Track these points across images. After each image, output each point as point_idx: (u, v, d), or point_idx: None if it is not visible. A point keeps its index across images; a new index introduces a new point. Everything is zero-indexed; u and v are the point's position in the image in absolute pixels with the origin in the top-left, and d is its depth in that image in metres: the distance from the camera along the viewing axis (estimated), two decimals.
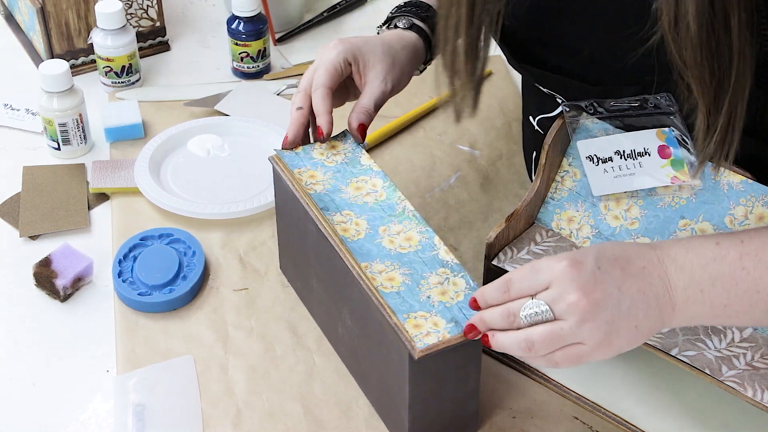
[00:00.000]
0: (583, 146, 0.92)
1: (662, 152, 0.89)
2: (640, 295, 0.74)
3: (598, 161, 0.91)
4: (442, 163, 1.21)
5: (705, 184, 0.89)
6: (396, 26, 1.05)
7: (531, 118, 1.08)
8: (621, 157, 0.90)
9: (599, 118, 0.91)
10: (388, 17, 1.08)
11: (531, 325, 0.74)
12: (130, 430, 0.88)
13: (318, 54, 1.00)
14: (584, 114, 0.94)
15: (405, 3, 1.08)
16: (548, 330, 0.74)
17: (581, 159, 0.92)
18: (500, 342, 0.77)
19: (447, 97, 0.92)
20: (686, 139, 0.89)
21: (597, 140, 0.91)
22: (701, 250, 0.77)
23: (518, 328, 0.75)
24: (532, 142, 1.10)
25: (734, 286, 0.76)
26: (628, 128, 0.90)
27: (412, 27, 1.05)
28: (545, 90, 0.97)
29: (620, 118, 0.91)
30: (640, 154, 0.90)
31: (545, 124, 1.06)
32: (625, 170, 0.90)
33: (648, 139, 0.89)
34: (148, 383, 0.92)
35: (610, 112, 0.91)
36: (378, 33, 1.07)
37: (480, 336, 0.78)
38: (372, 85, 0.98)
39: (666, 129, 0.89)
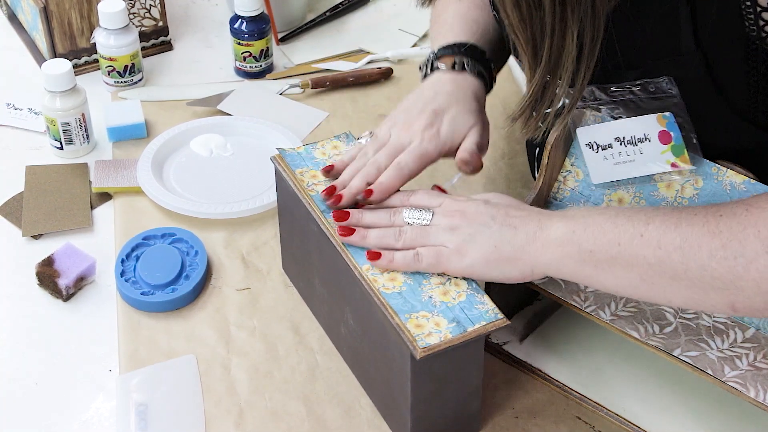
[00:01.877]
0: (583, 133, 0.91)
1: (663, 138, 0.89)
2: (509, 228, 0.84)
3: (597, 148, 0.90)
4: (445, 163, 1.20)
5: (708, 185, 0.89)
6: (464, 68, 1.00)
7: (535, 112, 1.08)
8: (621, 144, 0.90)
9: (600, 105, 0.91)
10: (454, 60, 1.00)
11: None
12: (133, 430, 0.88)
13: (404, 127, 0.95)
14: (586, 111, 0.94)
15: (458, 45, 1.01)
16: (419, 227, 0.86)
17: (581, 147, 0.91)
18: (372, 234, 0.87)
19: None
20: (687, 122, 0.88)
21: (596, 127, 0.91)
22: (592, 208, 0.84)
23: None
24: (536, 139, 1.10)
25: (602, 234, 0.80)
26: (630, 113, 0.90)
27: (479, 74, 1.01)
28: None
29: (621, 103, 0.90)
30: (641, 140, 0.89)
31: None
32: (625, 157, 0.90)
33: (648, 124, 0.89)
34: (151, 383, 0.92)
35: (611, 97, 0.90)
36: (439, 72, 1.00)
37: (342, 217, 0.88)
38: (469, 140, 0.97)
39: (667, 113, 0.88)
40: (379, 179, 0.91)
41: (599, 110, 0.92)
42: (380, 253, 0.85)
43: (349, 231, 0.87)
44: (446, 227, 0.85)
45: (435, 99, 0.96)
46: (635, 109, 0.90)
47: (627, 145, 0.90)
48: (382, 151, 0.93)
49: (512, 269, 0.83)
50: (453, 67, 0.99)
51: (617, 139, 0.90)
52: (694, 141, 0.89)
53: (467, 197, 0.88)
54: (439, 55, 1.01)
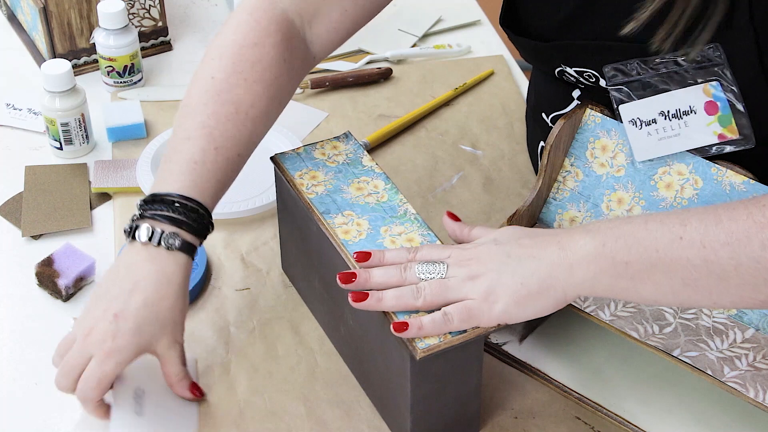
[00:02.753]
0: (626, 110, 0.87)
1: (709, 108, 0.85)
2: (529, 259, 0.80)
3: (641, 124, 0.87)
4: (444, 163, 1.21)
5: (707, 185, 0.89)
6: (161, 243, 0.86)
7: (544, 115, 1.07)
8: (665, 118, 0.86)
9: (643, 79, 0.87)
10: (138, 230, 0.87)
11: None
12: (128, 410, 0.88)
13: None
14: (589, 111, 0.94)
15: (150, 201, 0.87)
16: (437, 281, 0.81)
17: (624, 124, 0.87)
18: (387, 295, 0.81)
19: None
20: (734, 90, 0.85)
21: (640, 102, 0.87)
22: (616, 219, 0.80)
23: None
24: (543, 139, 1.09)
25: (636, 243, 0.76)
26: (675, 86, 0.86)
27: (182, 247, 0.87)
28: (572, 72, 0.94)
29: (666, 75, 0.86)
30: (686, 113, 0.86)
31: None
32: (670, 131, 0.86)
33: (694, 95, 0.85)
34: (150, 371, 0.92)
35: (655, 70, 0.86)
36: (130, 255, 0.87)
37: (358, 289, 0.82)
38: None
39: (713, 83, 0.85)
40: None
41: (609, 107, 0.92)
42: (407, 323, 0.79)
43: (362, 296, 0.82)
44: (465, 277, 0.81)
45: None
46: (680, 81, 0.86)
47: (671, 119, 0.86)
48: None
49: (545, 302, 0.80)
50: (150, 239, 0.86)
51: (661, 113, 0.86)
52: (742, 110, 0.86)
53: (474, 243, 0.84)
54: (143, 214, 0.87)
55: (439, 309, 0.80)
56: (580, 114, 0.94)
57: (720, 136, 0.86)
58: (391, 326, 0.79)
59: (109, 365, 0.84)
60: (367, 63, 1.37)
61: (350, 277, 0.83)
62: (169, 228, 0.86)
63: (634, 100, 0.88)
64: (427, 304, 0.80)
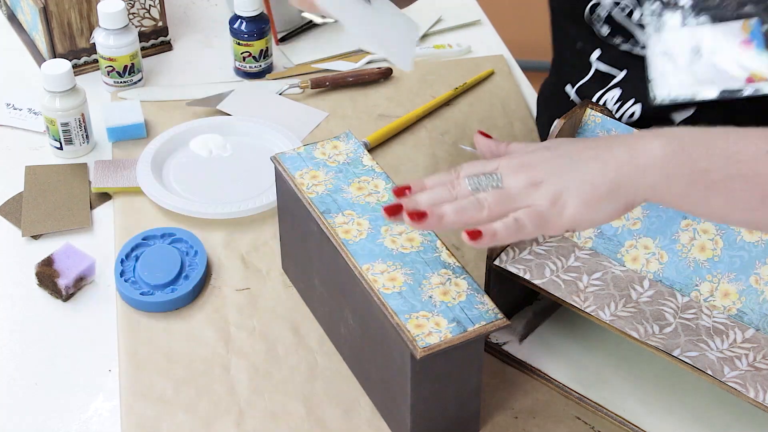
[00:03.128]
0: (657, 41, 0.83)
1: (743, 47, 0.81)
2: (593, 159, 0.74)
3: (670, 59, 0.84)
4: (445, 163, 1.21)
5: None
6: None
7: (569, 86, 1.05)
8: (696, 55, 0.82)
9: (682, 10, 0.82)
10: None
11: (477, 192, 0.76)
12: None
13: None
14: (589, 111, 0.94)
15: None
16: (497, 192, 0.75)
17: (652, 56, 0.82)
18: (447, 210, 0.75)
19: None
20: None
21: (672, 35, 0.83)
22: (688, 128, 0.75)
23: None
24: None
25: (718, 150, 0.72)
26: (714, 19, 0.82)
27: None
28: (607, 3, 0.92)
29: (705, 8, 0.82)
30: (717, 51, 0.82)
31: (584, 92, 1.03)
32: (699, 70, 0.83)
33: (730, 32, 0.80)
34: None
35: (696, 2, 0.82)
36: None
37: (410, 211, 0.75)
38: None
39: (752, 20, 0.80)
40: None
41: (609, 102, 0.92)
42: (481, 231, 0.74)
43: (420, 215, 0.75)
44: (526, 184, 0.75)
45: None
46: (719, 15, 0.82)
47: (702, 57, 0.82)
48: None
49: (615, 204, 0.74)
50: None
51: (693, 49, 0.82)
52: None
53: (522, 152, 0.78)
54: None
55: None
56: (580, 114, 0.94)
57: (748, 79, 0.81)
58: (465, 234, 0.73)
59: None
60: (367, 63, 1.37)
61: (397, 209, 0.77)
62: None
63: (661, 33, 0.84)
64: (493, 214, 0.75)
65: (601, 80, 1.03)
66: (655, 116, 0.97)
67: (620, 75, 1.00)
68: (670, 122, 0.97)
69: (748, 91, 0.83)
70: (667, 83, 0.85)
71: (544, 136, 1.14)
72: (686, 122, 0.97)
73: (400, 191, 0.79)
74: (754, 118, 0.75)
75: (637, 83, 0.97)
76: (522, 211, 0.75)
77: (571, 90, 1.07)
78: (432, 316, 0.81)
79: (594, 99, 1.03)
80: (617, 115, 0.99)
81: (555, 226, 0.75)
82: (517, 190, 0.75)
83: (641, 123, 0.98)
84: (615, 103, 0.99)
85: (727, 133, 0.73)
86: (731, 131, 0.73)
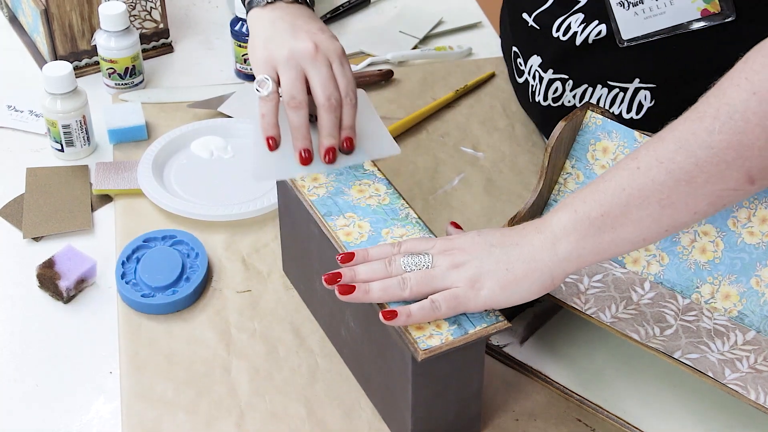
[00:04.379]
0: None
1: None
2: (512, 246, 0.82)
3: (628, 5, 0.90)
4: (445, 165, 1.21)
5: None
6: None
7: (526, 15, 1.12)
8: None
9: None
10: None
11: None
12: None
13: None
14: (590, 113, 0.94)
15: None
16: (421, 273, 0.82)
17: (612, 5, 0.90)
18: (374, 287, 0.82)
19: None
20: None
21: None
22: (575, 192, 0.83)
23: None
24: (526, 42, 1.15)
25: (602, 194, 0.80)
26: None
27: None
28: None
29: None
30: None
31: (543, 19, 1.10)
32: (656, 10, 0.89)
33: None
34: None
35: None
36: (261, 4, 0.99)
37: (343, 284, 0.83)
38: None
39: None
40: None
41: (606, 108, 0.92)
42: (396, 311, 0.80)
43: (349, 288, 0.82)
44: (450, 266, 0.82)
45: None
46: None
47: None
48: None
49: (531, 285, 0.81)
50: None
51: None
52: None
53: (457, 235, 0.86)
54: None
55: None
56: (581, 116, 0.94)
57: (703, 11, 0.88)
58: (381, 315, 0.80)
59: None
60: (369, 65, 1.37)
61: (335, 278, 0.84)
62: None
63: None
64: (413, 293, 0.82)
65: (562, 6, 1.08)
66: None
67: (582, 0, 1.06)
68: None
69: (695, 26, 0.91)
70: (630, 27, 0.93)
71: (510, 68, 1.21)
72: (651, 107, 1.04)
73: (345, 258, 0.85)
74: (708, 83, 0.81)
75: (599, 5, 1.02)
76: (440, 293, 0.81)
77: (528, 17, 1.12)
78: None
79: (556, 24, 1.08)
80: (584, 36, 1.05)
81: (472, 305, 0.81)
82: (441, 271, 0.82)
83: (608, 41, 1.04)
84: (579, 25, 1.05)
85: (603, 176, 0.81)
86: (606, 172, 0.81)
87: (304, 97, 0.93)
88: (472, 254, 0.82)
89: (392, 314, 0.80)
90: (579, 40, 1.06)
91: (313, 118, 0.94)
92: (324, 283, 0.84)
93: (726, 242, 0.87)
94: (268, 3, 0.99)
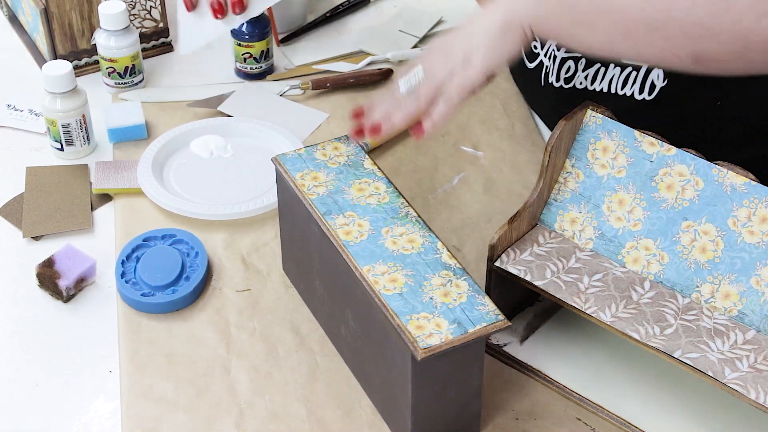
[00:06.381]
0: None
1: None
2: (481, 15, 0.91)
3: None
4: (445, 164, 1.21)
5: (708, 186, 0.89)
6: None
7: None
8: None
9: None
10: None
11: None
12: None
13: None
14: (590, 113, 0.94)
15: None
16: (424, 82, 0.91)
17: None
18: (396, 117, 0.93)
19: None
20: None
21: None
22: None
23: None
24: None
25: None
26: None
27: None
28: None
29: None
30: None
31: None
32: None
33: None
34: None
35: None
36: None
37: (368, 125, 0.95)
38: None
39: None
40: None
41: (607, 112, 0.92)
42: (421, 127, 0.91)
43: (376, 127, 0.94)
44: (440, 62, 0.91)
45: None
46: None
47: None
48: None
49: (513, 37, 0.89)
50: None
51: None
52: None
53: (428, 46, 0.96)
54: None
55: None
56: (581, 115, 0.94)
57: None
58: (413, 135, 0.92)
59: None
60: (368, 64, 1.37)
61: (359, 131, 0.96)
62: None
63: None
64: (426, 98, 0.91)
65: None
66: None
67: None
68: None
69: None
70: None
71: None
72: (661, 95, 1.08)
73: (357, 114, 0.96)
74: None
75: None
76: (450, 84, 0.90)
77: None
78: (433, 317, 0.81)
79: None
80: None
81: (474, 77, 0.90)
82: (435, 70, 0.91)
83: None
84: None
85: None
86: None
87: None
88: (452, 42, 0.91)
89: (419, 129, 0.91)
90: None
91: None
92: (353, 137, 0.96)
93: (726, 241, 0.87)
94: None
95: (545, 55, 1.16)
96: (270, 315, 1.01)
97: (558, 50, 1.12)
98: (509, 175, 1.19)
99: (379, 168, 0.96)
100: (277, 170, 0.97)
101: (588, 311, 0.88)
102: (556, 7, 0.87)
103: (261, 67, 1.34)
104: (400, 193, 0.93)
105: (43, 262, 1.04)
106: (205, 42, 0.98)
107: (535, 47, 1.18)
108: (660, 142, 0.91)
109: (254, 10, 1.02)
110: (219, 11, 0.97)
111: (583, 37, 0.87)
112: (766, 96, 1.03)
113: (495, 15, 0.89)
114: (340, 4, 1.48)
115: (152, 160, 1.16)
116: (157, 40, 1.39)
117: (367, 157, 0.97)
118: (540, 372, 0.94)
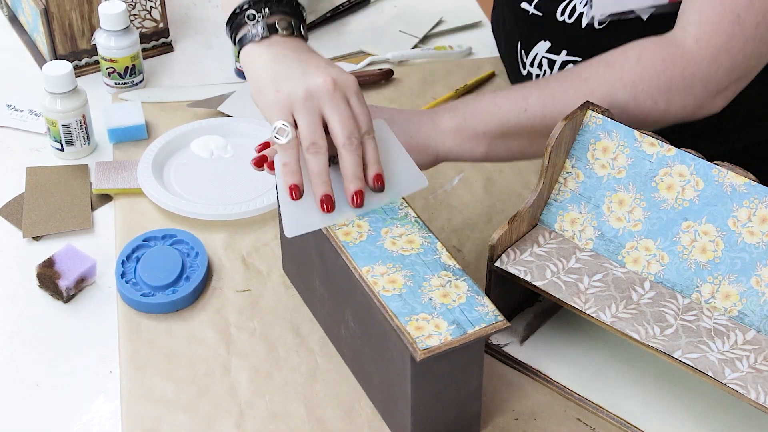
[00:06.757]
0: None
1: None
2: (410, 122, 0.97)
3: None
4: (445, 165, 1.20)
5: (708, 186, 0.89)
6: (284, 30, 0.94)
7: (525, 4, 1.16)
8: None
9: None
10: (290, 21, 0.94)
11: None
12: None
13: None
14: (590, 113, 0.94)
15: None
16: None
17: None
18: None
19: None
20: None
21: None
22: (470, 97, 1.00)
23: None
24: (528, 31, 1.18)
25: (489, 117, 0.97)
26: None
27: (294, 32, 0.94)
28: None
29: None
30: None
31: (545, 5, 1.14)
32: None
33: None
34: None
35: None
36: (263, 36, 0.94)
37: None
38: None
39: None
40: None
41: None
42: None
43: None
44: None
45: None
46: None
47: None
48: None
49: (426, 158, 0.96)
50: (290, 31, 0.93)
51: None
52: None
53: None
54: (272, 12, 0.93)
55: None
56: (581, 115, 0.94)
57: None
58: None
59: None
60: (369, 64, 1.37)
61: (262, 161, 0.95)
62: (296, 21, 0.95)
63: None
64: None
65: None
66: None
67: None
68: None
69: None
70: (602, 4, 1.05)
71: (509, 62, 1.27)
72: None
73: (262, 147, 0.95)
74: None
75: None
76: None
77: (529, 6, 1.16)
78: (432, 318, 0.81)
79: (560, 9, 1.12)
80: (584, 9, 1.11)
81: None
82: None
83: (615, 20, 1.10)
84: (584, 6, 1.11)
85: (495, 98, 0.97)
86: (499, 95, 0.98)
87: (325, 141, 0.87)
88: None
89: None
90: (585, 22, 1.09)
91: (332, 159, 0.90)
92: (254, 166, 0.94)
93: (726, 242, 0.87)
94: (263, 38, 0.92)
95: (533, 66, 1.18)
96: (270, 315, 1.01)
97: (557, 54, 1.13)
98: (509, 175, 1.19)
99: None
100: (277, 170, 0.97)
101: (588, 311, 0.88)
102: (472, 137, 0.97)
103: None
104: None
105: (44, 262, 1.04)
106: (313, 228, 0.88)
107: (523, 55, 1.18)
108: (660, 142, 0.91)
109: (374, 204, 0.90)
110: (328, 208, 0.87)
111: (501, 155, 0.99)
112: (765, 82, 1.03)
113: (420, 129, 0.96)
114: (340, 5, 1.48)
115: (152, 160, 1.16)
116: (157, 40, 1.39)
117: None
118: (540, 372, 0.94)
